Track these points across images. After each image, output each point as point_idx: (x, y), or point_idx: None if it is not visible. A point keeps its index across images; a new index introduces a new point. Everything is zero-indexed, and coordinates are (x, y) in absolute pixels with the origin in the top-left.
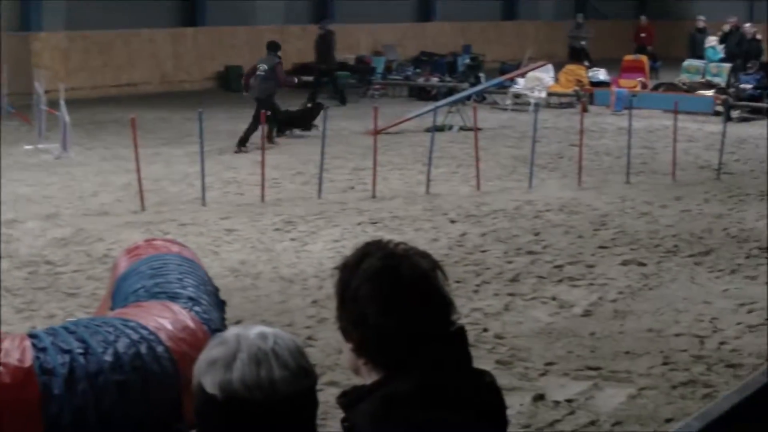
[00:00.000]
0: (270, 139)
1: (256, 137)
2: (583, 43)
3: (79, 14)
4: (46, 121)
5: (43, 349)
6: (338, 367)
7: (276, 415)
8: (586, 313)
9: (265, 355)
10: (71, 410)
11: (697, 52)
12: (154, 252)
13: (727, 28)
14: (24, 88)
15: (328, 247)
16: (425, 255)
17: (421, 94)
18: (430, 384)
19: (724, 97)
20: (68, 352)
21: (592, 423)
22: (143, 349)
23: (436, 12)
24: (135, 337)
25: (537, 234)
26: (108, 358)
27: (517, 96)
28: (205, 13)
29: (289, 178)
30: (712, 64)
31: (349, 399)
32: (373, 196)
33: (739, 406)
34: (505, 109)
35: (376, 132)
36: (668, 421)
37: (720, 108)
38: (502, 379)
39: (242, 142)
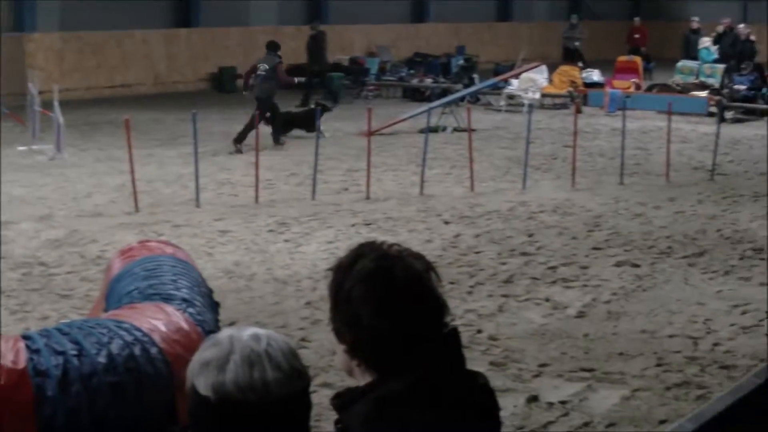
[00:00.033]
0: (277, 140)
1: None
2: (577, 44)
3: (72, 15)
4: (40, 122)
5: (37, 351)
6: (332, 368)
7: (269, 416)
8: (580, 315)
9: (258, 356)
10: (65, 412)
11: (691, 53)
12: (147, 253)
13: (720, 29)
14: (18, 89)
15: (321, 248)
16: (419, 256)
17: (415, 95)
18: (423, 385)
19: (717, 98)
20: (62, 353)
21: (586, 424)
22: (137, 350)
23: (430, 13)
24: (129, 338)
25: (531, 235)
26: (102, 359)
27: (511, 97)
28: (199, 14)
29: (283, 180)
30: (705, 65)
31: (342, 400)
32: (367, 198)
33: (733, 407)
34: (499, 110)
35: (370, 133)
36: (662, 422)
37: (714, 109)
38: (496, 380)
39: (239, 140)
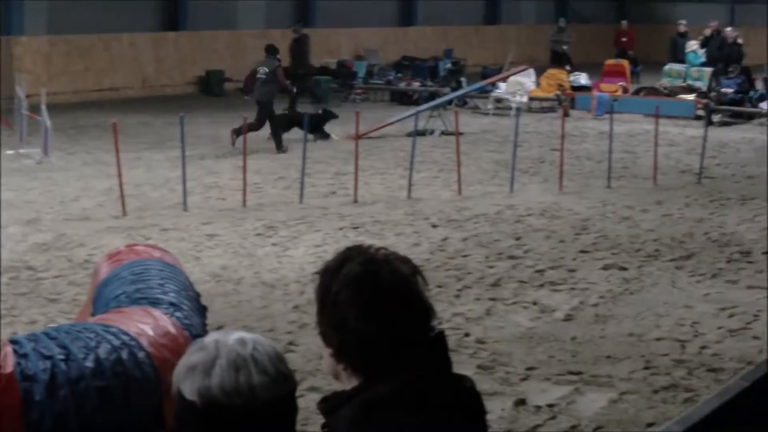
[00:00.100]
0: (279, 147)
1: (239, 142)
2: (564, 47)
3: (60, 18)
4: (28, 125)
5: (24, 355)
6: (319, 372)
7: (255, 421)
8: (568, 318)
9: (244, 360)
10: (52, 416)
11: (679, 56)
12: (135, 257)
13: (708, 32)
14: (5, 92)
15: (309, 252)
16: (405, 260)
17: (403, 98)
18: (409, 389)
19: (705, 101)
20: (49, 358)
21: (574, 428)
22: (124, 354)
23: (418, 16)
24: (116, 342)
25: (518, 238)
26: (89, 364)
27: (498, 100)
28: (187, 18)
29: (271, 183)
30: (693, 68)
31: (329, 404)
32: (355, 201)
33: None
34: (487, 114)
35: (358, 136)
36: (649, 425)
37: (701, 112)
38: (484, 383)
39: (238, 133)
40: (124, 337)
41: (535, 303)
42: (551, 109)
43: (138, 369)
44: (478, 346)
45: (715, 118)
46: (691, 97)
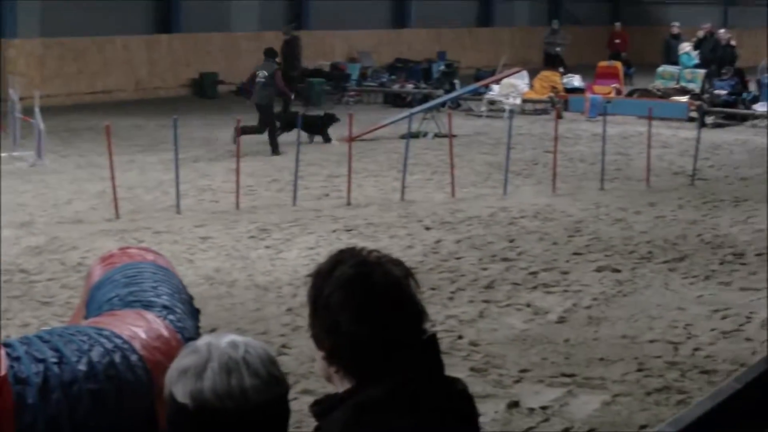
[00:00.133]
0: (275, 149)
1: (232, 145)
2: (558, 49)
3: (53, 21)
4: (21, 128)
5: (17, 359)
6: (312, 375)
7: (247, 423)
8: (561, 320)
9: (236, 363)
10: (45, 419)
11: (672, 58)
12: (128, 260)
13: (701, 34)
14: None
15: (303, 254)
16: (398, 263)
17: (396, 100)
18: (401, 392)
19: (698, 103)
20: (42, 361)
21: (567, 430)
22: (117, 358)
23: (411, 18)
24: (109, 346)
25: (512, 241)
26: (82, 367)
27: (491, 102)
28: (180, 20)
29: (264, 186)
30: (686, 70)
31: (322, 407)
32: (348, 204)
33: (712, 412)
34: (480, 116)
35: (351, 139)
36: (642, 427)
37: (694, 114)
38: (477, 386)
39: (243, 131)
40: (117, 340)
41: (528, 305)
42: (544, 111)
43: (131, 372)
44: (471, 348)
45: (709, 119)
46: (684, 98)
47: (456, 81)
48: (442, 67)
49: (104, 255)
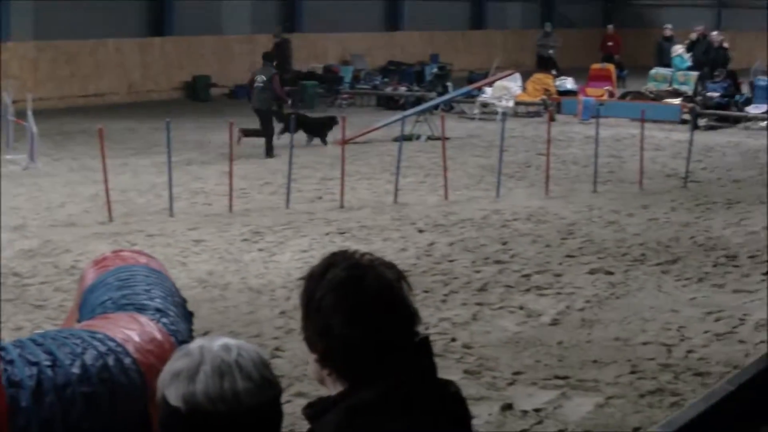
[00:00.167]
0: (269, 152)
1: (225, 147)
2: (551, 51)
3: (46, 24)
4: (14, 131)
5: (11, 362)
6: (306, 378)
7: (240, 427)
8: (554, 322)
9: (229, 367)
10: (39, 423)
11: (664, 60)
12: (121, 263)
13: (694, 36)
14: None
15: (296, 257)
16: (390, 265)
17: (389, 103)
18: (394, 394)
19: (691, 105)
20: (36, 364)
21: None
22: (111, 361)
23: (404, 21)
24: (102, 349)
25: (504, 243)
26: (75, 370)
27: (484, 105)
28: (173, 23)
29: (257, 189)
30: (679, 72)
31: (314, 410)
32: (341, 206)
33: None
34: (473, 119)
35: (344, 142)
36: (636, 429)
37: (687, 116)
38: (470, 388)
39: (245, 133)
40: (111, 343)
41: (521, 308)
42: (537, 114)
43: (124, 375)
44: (464, 350)
45: (701, 122)
46: (677, 101)
47: (449, 84)
48: (435, 70)
49: (97, 258)
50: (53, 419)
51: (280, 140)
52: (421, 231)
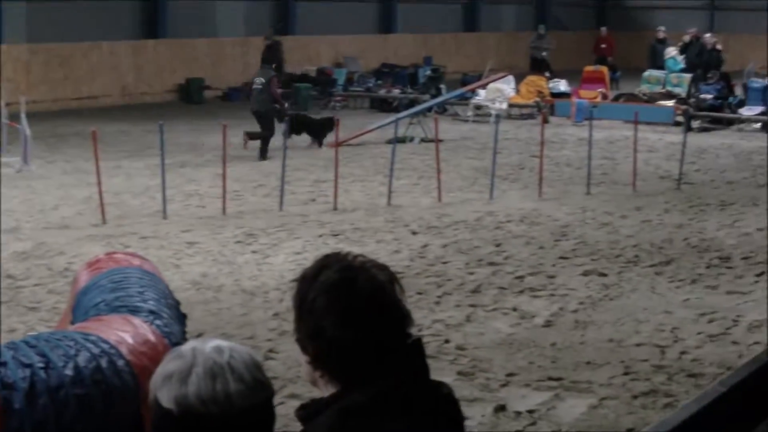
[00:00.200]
0: (263, 154)
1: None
2: (544, 54)
3: (39, 27)
4: (7, 134)
5: (4, 364)
6: (299, 379)
7: (232, 429)
8: (548, 324)
9: (221, 368)
10: (32, 424)
11: (658, 62)
12: (114, 265)
13: (687, 38)
14: None
15: (289, 259)
16: (383, 267)
17: (383, 105)
18: (386, 396)
19: (684, 107)
20: (29, 366)
21: None
22: (104, 363)
23: (398, 24)
24: (96, 351)
25: (498, 245)
26: (69, 372)
27: (478, 107)
28: (166, 26)
29: (251, 191)
30: (672, 74)
31: (307, 412)
32: (335, 208)
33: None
34: (466, 121)
35: (338, 144)
36: (629, 430)
37: (680, 118)
38: (464, 390)
39: (251, 136)
40: (104, 345)
41: (515, 309)
42: (531, 116)
43: (117, 377)
44: (458, 352)
45: (695, 124)
46: (670, 103)
47: (442, 86)
48: (429, 72)
49: (91, 260)
50: (46, 421)
51: (274, 143)
52: (414, 233)
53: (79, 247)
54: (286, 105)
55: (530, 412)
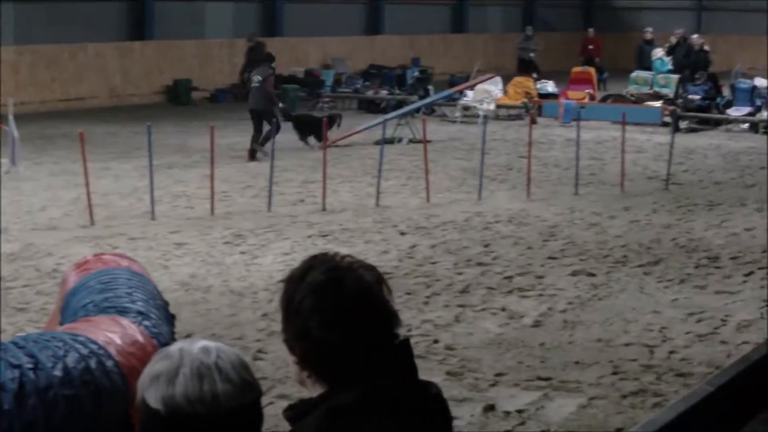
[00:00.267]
0: (253, 155)
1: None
2: (532, 55)
3: (26, 28)
4: None
5: None
6: (288, 380)
7: (220, 429)
8: (536, 324)
9: (208, 369)
10: (21, 426)
11: (645, 63)
12: (103, 266)
13: (673, 40)
14: None
15: (278, 260)
16: (370, 268)
17: (371, 106)
18: (374, 396)
19: (672, 108)
20: (18, 367)
21: None
22: (93, 363)
23: (385, 25)
24: (84, 351)
25: (487, 245)
26: (58, 372)
27: (466, 108)
28: (153, 27)
29: (239, 192)
30: (660, 75)
31: (295, 412)
32: (323, 209)
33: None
34: (454, 122)
35: (326, 145)
36: (618, 430)
37: (668, 119)
38: (453, 390)
39: (264, 142)
40: (93, 346)
41: (503, 309)
42: (518, 117)
43: (106, 378)
44: (447, 352)
45: (682, 124)
46: (658, 104)
47: (430, 87)
48: (416, 74)
49: (79, 261)
50: (36, 422)
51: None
52: (403, 233)
53: (68, 249)
54: (281, 105)
55: (519, 411)
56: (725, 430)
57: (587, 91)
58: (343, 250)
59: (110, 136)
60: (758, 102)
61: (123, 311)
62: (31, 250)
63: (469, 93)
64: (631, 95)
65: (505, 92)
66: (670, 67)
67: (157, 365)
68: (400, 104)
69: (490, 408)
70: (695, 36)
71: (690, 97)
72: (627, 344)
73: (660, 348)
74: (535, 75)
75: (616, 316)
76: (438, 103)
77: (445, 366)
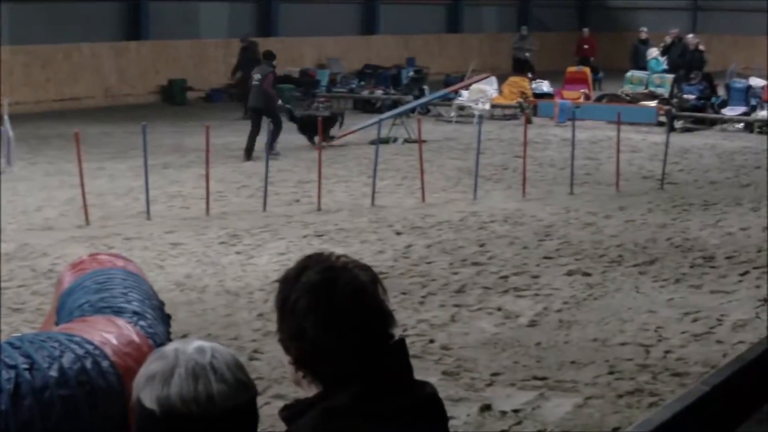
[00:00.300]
0: (249, 154)
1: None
2: (527, 54)
3: (21, 28)
4: None
5: None
6: (284, 380)
7: (215, 429)
8: (532, 324)
9: (203, 369)
10: (17, 426)
11: (640, 63)
12: (98, 266)
13: (669, 39)
14: None
15: (273, 260)
16: (365, 268)
17: (366, 106)
18: (369, 396)
19: (667, 107)
20: (13, 367)
21: None
22: (89, 363)
23: (380, 25)
24: (80, 351)
25: (482, 245)
26: (53, 373)
27: (461, 108)
28: (148, 27)
29: (234, 192)
30: (655, 75)
31: (291, 412)
32: (319, 209)
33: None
34: (450, 121)
35: (321, 146)
36: (615, 430)
37: (663, 118)
38: (449, 389)
39: (272, 142)
40: (88, 346)
41: (499, 309)
42: (514, 117)
43: (102, 378)
44: (443, 352)
45: (678, 124)
46: (653, 103)
47: (425, 87)
48: (412, 73)
49: (74, 261)
50: (32, 422)
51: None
52: (398, 233)
53: (63, 249)
54: (279, 101)
55: (515, 411)
56: (721, 430)
57: (582, 90)
58: (339, 250)
59: (105, 136)
60: (753, 102)
61: (119, 311)
62: (26, 251)
63: (465, 93)
64: (626, 95)
65: (501, 92)
66: (665, 66)
67: (152, 365)
68: (396, 104)
69: (486, 408)
70: (690, 36)
71: (685, 96)
72: (623, 344)
73: (656, 347)
74: (530, 75)
75: (611, 315)
76: (433, 102)
77: (440, 366)
